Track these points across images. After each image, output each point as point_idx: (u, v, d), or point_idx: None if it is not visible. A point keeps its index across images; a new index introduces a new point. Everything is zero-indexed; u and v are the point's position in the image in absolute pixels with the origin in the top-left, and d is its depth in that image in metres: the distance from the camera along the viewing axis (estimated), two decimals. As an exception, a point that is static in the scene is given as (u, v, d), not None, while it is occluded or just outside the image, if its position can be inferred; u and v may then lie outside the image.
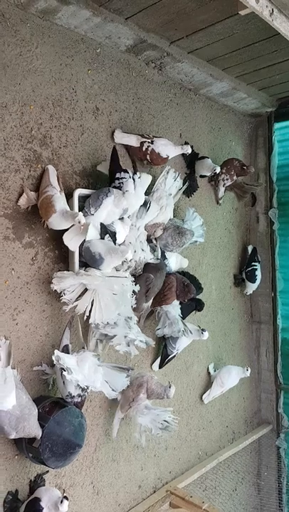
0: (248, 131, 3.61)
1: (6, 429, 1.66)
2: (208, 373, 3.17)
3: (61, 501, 1.78)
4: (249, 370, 3.17)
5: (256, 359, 3.71)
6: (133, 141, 2.39)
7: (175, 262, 2.65)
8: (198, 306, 2.70)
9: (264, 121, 3.53)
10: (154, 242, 2.45)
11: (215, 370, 3.19)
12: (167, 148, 2.43)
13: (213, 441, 3.24)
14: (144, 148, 2.38)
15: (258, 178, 3.56)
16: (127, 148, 2.43)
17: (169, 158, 2.46)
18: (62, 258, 2.09)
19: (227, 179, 3.10)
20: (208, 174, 2.94)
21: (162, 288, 2.46)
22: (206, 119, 3.12)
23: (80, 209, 2.06)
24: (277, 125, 3.48)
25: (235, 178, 3.12)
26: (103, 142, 2.34)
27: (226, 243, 3.39)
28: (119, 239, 2.17)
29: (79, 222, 1.83)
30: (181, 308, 2.57)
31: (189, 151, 2.53)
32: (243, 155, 3.53)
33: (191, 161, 2.91)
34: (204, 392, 3.11)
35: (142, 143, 2.38)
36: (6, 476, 1.89)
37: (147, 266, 2.37)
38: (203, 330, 2.66)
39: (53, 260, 2.07)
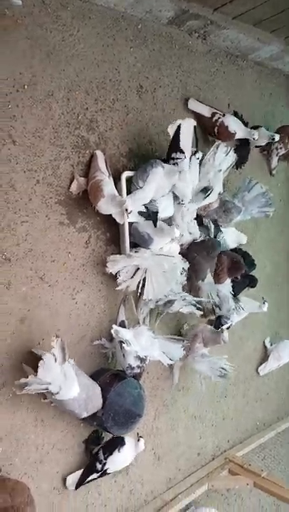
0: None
1: (78, 412, 1.83)
2: (265, 347, 3.17)
3: (138, 439, 2.09)
4: None
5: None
6: (205, 110, 2.47)
7: (231, 238, 2.62)
8: (251, 282, 2.67)
9: None
10: (206, 220, 2.43)
11: (271, 344, 3.19)
12: (236, 125, 2.48)
13: (270, 413, 3.28)
14: (214, 119, 2.45)
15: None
16: (198, 117, 2.47)
17: (236, 136, 2.48)
18: (114, 240, 2.17)
19: (281, 148, 2.96)
20: (264, 144, 2.80)
21: (215, 268, 2.46)
22: (256, 86, 2.99)
23: (128, 192, 2.10)
24: None
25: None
26: (148, 121, 2.34)
27: (280, 216, 3.28)
28: (166, 213, 2.18)
29: (126, 210, 1.88)
30: (233, 286, 2.56)
31: (256, 137, 2.51)
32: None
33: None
34: (260, 366, 3.13)
35: (213, 113, 2.46)
36: (75, 441, 2.06)
37: (193, 245, 2.36)
38: (265, 301, 2.68)
39: (105, 242, 2.15)
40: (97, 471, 2.03)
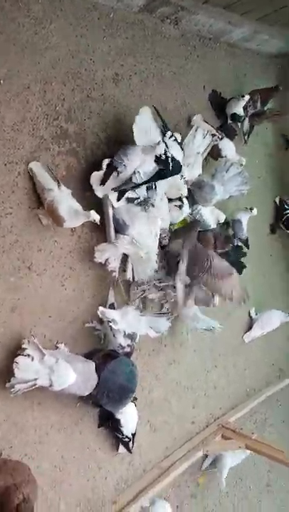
0: (276, 72, 3.47)
1: (81, 392, 1.98)
2: (250, 317, 3.32)
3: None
4: None
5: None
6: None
7: (211, 216, 2.73)
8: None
9: (292, 59, 3.37)
10: (181, 201, 2.52)
11: (256, 314, 3.33)
12: (229, 150, 2.72)
13: (260, 379, 3.43)
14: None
15: (290, 120, 3.45)
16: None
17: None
18: (98, 227, 2.23)
19: (250, 106, 2.91)
20: (240, 111, 2.84)
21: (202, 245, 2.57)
22: (230, 67, 3.04)
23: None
24: (306, 62, 3.31)
25: (259, 105, 2.97)
26: (126, 108, 2.40)
27: (260, 191, 3.38)
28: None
29: (94, 220, 1.91)
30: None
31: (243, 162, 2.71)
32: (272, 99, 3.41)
33: (220, 109, 2.87)
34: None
35: (212, 134, 2.62)
36: (72, 420, 2.18)
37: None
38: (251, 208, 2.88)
39: (91, 229, 2.23)
40: (129, 441, 2.33)
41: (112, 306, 2.26)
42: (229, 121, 2.88)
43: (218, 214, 2.75)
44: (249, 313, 3.31)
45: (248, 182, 2.75)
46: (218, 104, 2.75)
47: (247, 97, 2.78)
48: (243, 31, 2.82)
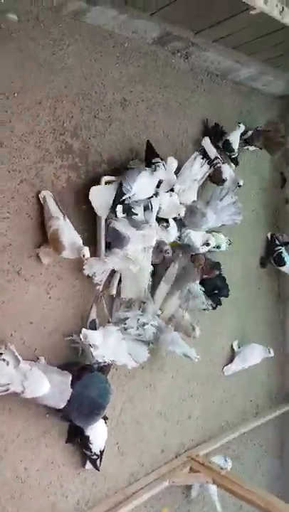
0: (279, 112, 3.60)
1: (54, 403, 1.98)
2: (232, 349, 3.31)
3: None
4: (272, 352, 3.29)
5: (282, 337, 3.80)
6: (212, 152, 2.77)
7: (198, 238, 2.75)
8: (222, 289, 2.91)
9: (294, 102, 3.52)
10: (169, 222, 2.57)
11: (239, 347, 3.33)
12: (228, 173, 2.81)
13: (236, 414, 3.39)
14: (214, 162, 2.76)
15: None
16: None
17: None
18: (91, 239, 2.28)
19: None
20: (233, 138, 2.93)
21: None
22: (235, 103, 3.18)
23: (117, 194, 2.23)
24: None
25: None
26: (130, 131, 2.50)
27: (253, 224, 3.46)
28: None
29: (83, 255, 1.98)
30: (203, 285, 2.75)
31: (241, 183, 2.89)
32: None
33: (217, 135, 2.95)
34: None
35: (216, 157, 2.75)
36: (39, 432, 2.16)
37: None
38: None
39: (83, 241, 2.25)
40: (97, 458, 2.29)
41: (93, 323, 2.27)
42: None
43: (208, 238, 2.79)
44: (232, 345, 3.32)
45: (241, 213, 2.82)
46: (216, 132, 2.91)
47: (242, 127, 2.91)
48: (249, 71, 2.97)
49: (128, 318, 2.42)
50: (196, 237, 2.66)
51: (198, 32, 2.47)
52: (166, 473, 2.78)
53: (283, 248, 3.44)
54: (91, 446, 2.24)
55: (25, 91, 2.07)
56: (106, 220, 2.24)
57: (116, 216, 2.24)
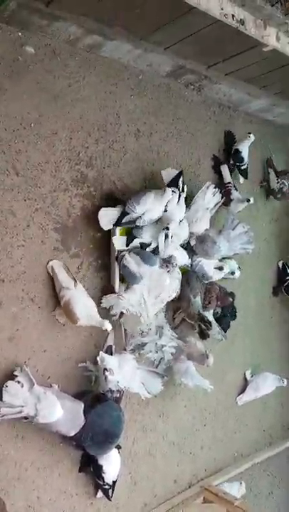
0: (289, 143, 3.67)
1: (66, 431, 1.98)
2: (245, 379, 3.27)
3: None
4: (286, 381, 3.24)
5: (296, 367, 3.74)
6: (227, 177, 2.97)
7: (212, 267, 2.77)
8: (233, 315, 2.92)
9: (306, 132, 3.58)
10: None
11: (252, 376, 3.29)
12: (236, 196, 2.93)
13: (249, 444, 3.33)
14: (226, 186, 2.93)
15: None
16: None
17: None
18: (105, 267, 2.32)
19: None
20: (243, 148, 2.99)
21: (206, 295, 2.66)
22: (246, 134, 3.21)
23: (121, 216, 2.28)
24: None
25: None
26: (144, 161, 2.55)
27: (265, 253, 3.47)
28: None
29: (105, 329, 2.04)
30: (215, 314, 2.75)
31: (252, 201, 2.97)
32: (286, 167, 3.59)
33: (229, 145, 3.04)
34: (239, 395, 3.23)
35: (228, 182, 2.94)
36: (53, 461, 2.14)
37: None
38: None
39: (96, 269, 2.30)
40: (109, 488, 2.26)
41: (109, 349, 2.27)
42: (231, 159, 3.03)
43: (222, 264, 2.78)
44: (245, 375, 3.28)
45: (253, 242, 2.83)
46: (229, 141, 3.00)
47: (252, 137, 2.96)
48: (261, 103, 3.02)
49: (146, 343, 2.43)
50: (208, 266, 2.67)
51: (211, 66, 2.54)
52: (180, 503, 2.71)
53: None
54: (104, 475, 2.21)
55: (42, 121, 2.13)
56: (119, 252, 2.26)
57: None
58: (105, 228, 2.26)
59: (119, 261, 2.24)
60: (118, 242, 2.28)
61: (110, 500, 2.26)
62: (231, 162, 3.01)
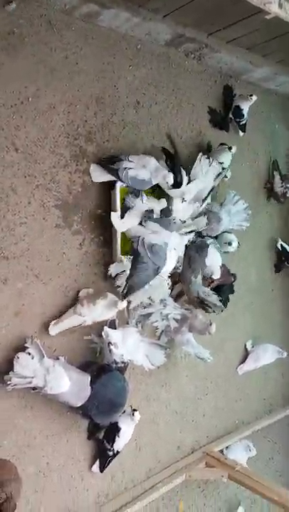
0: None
1: (73, 402, 2.06)
2: (246, 350, 3.34)
3: (132, 413, 2.34)
4: (286, 354, 3.30)
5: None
6: None
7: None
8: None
9: (309, 103, 3.49)
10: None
11: (253, 347, 3.36)
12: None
13: (250, 412, 3.42)
14: None
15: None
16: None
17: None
18: (106, 243, 2.33)
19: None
20: (243, 106, 2.92)
21: None
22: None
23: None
24: None
25: None
26: (144, 134, 2.51)
27: (267, 227, 3.47)
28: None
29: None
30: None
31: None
32: (288, 138, 3.54)
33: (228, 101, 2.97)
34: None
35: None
36: (60, 428, 2.23)
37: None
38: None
39: (98, 245, 2.32)
40: (112, 456, 2.35)
41: (113, 323, 2.31)
42: (230, 115, 2.97)
43: (232, 238, 2.84)
44: (245, 345, 3.34)
45: (250, 219, 2.86)
46: (228, 98, 2.93)
47: (254, 97, 2.87)
48: (263, 71, 2.94)
49: (151, 313, 2.49)
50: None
51: (211, 33, 2.47)
52: (183, 468, 2.83)
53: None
54: (117, 439, 2.32)
55: (39, 95, 2.10)
56: (138, 237, 2.23)
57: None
58: (95, 180, 2.25)
59: (140, 242, 2.20)
60: (117, 216, 2.26)
61: (102, 472, 2.35)
62: (230, 117, 2.96)
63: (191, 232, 2.53)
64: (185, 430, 2.91)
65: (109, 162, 2.26)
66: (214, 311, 2.52)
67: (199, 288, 2.47)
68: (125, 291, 2.19)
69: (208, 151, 2.77)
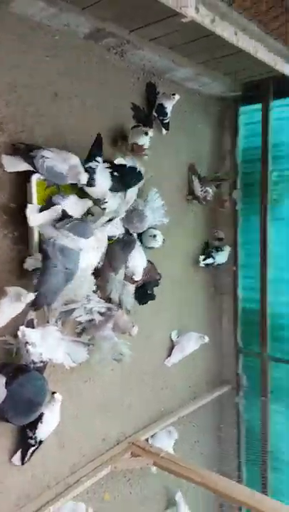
0: (215, 113, 3.70)
1: None
2: (171, 340, 3.44)
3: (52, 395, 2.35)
4: (207, 338, 3.44)
5: (219, 327, 4.01)
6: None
7: None
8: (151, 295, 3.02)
9: (230, 104, 3.63)
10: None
11: (178, 337, 3.47)
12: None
13: (175, 400, 3.54)
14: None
15: (224, 159, 3.71)
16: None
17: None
18: (22, 239, 2.25)
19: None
20: (167, 105, 2.95)
21: None
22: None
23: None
24: (242, 108, 3.59)
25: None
26: (63, 127, 2.45)
27: (190, 222, 3.58)
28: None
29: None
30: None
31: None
32: (210, 137, 3.66)
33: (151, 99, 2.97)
34: (167, 357, 3.41)
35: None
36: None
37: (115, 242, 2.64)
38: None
39: (13, 241, 2.24)
40: (34, 445, 2.32)
41: (30, 322, 2.26)
42: (154, 113, 2.99)
43: (156, 233, 2.90)
44: (170, 335, 3.44)
45: (169, 216, 2.95)
46: (151, 95, 2.94)
47: (177, 97, 2.91)
48: (186, 71, 2.98)
49: (74, 309, 2.47)
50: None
51: (133, 30, 2.45)
52: (108, 460, 2.87)
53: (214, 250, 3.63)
54: (39, 426, 2.30)
55: None
56: (48, 239, 2.17)
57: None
58: (9, 170, 2.16)
59: (52, 244, 2.14)
60: (32, 209, 2.18)
61: (22, 464, 2.32)
62: (154, 114, 2.98)
63: (111, 220, 2.52)
64: (110, 423, 2.95)
65: (27, 150, 2.18)
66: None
67: (117, 286, 2.49)
68: (36, 300, 2.11)
69: (132, 150, 2.77)
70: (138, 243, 2.76)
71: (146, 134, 2.66)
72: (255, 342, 3.80)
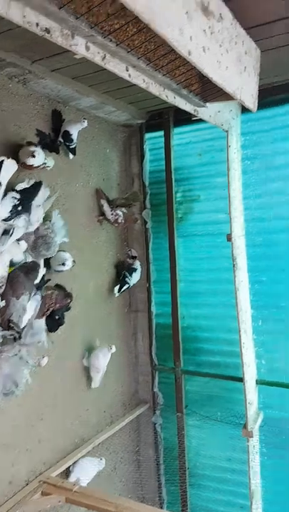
0: (122, 139, 3.81)
1: None
2: (84, 364, 3.37)
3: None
4: (113, 347, 3.39)
5: (134, 345, 4.03)
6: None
7: None
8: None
9: (136, 131, 3.79)
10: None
11: (87, 359, 3.39)
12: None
13: (90, 428, 3.45)
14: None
15: (132, 182, 3.85)
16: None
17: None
18: None
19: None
20: (73, 131, 2.98)
21: (44, 304, 2.74)
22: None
23: None
24: (147, 135, 3.77)
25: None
26: None
27: (103, 242, 3.61)
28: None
29: None
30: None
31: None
32: (118, 161, 3.75)
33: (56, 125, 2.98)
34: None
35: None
36: None
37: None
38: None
39: None
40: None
41: None
42: (60, 138, 2.99)
43: (65, 258, 2.88)
44: (83, 362, 3.37)
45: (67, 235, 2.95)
46: (56, 122, 2.95)
47: (85, 123, 2.96)
48: (90, 100, 3.02)
49: None
50: None
51: (35, 61, 2.44)
52: (16, 504, 2.70)
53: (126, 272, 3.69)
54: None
55: None
56: None
57: None
58: None
59: None
60: None
61: None
62: (60, 140, 2.99)
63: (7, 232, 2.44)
64: (18, 462, 2.79)
65: None
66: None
67: (19, 312, 2.42)
68: None
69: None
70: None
71: (34, 156, 2.60)
72: (169, 357, 3.87)
